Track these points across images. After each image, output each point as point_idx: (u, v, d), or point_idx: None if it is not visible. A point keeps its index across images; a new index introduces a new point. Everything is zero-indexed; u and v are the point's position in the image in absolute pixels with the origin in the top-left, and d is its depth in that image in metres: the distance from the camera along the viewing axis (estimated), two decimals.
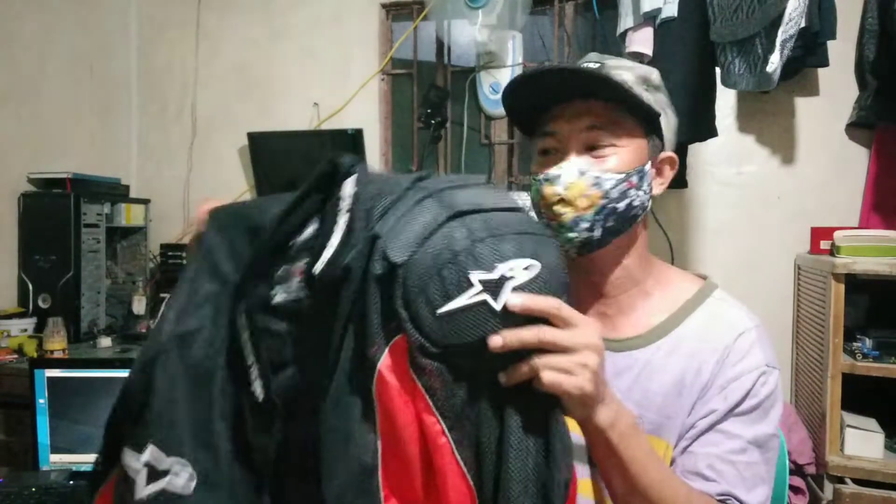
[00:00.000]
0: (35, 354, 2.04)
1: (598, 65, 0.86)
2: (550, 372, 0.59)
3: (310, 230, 0.62)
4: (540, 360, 0.59)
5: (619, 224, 0.85)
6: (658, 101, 0.87)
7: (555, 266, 0.59)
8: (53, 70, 2.57)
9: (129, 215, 2.66)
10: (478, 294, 0.55)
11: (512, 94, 0.87)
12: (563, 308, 0.61)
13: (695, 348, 0.84)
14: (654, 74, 0.89)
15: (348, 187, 0.59)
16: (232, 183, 2.87)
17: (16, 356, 2.08)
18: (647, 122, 0.85)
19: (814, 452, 1.86)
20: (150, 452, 0.60)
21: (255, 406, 0.62)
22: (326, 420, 0.59)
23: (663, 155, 0.89)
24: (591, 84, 0.82)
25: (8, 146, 2.40)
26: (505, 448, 0.56)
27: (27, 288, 2.35)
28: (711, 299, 0.88)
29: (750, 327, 0.84)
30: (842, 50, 2.09)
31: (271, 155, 2.73)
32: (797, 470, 1.84)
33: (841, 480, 1.74)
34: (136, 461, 0.60)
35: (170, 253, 2.65)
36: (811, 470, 1.85)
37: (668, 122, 0.89)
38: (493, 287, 0.56)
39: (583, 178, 0.82)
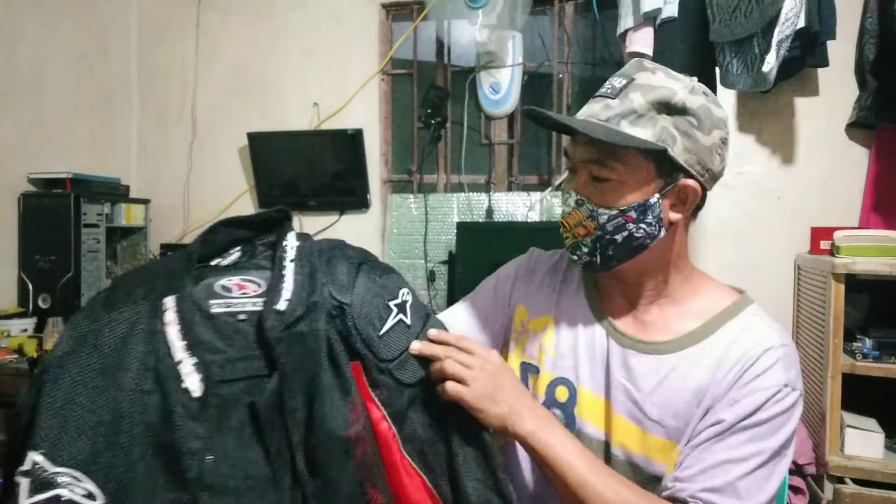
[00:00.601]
0: (35, 354, 2.05)
1: (625, 81, 0.84)
2: (449, 383, 0.75)
3: (234, 256, 0.74)
4: (445, 366, 0.75)
5: (620, 253, 0.85)
6: (678, 125, 0.82)
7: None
8: (53, 70, 2.58)
9: (129, 215, 2.66)
10: (396, 315, 0.75)
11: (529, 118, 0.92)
12: (462, 340, 0.80)
13: (720, 359, 0.83)
14: (677, 96, 0.82)
15: (292, 240, 0.72)
16: (232, 183, 2.88)
17: (16, 356, 2.08)
18: (657, 154, 0.82)
19: (814, 452, 1.86)
20: (33, 459, 0.56)
21: (187, 406, 0.60)
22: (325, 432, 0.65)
23: (682, 183, 0.84)
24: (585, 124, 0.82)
25: (8, 146, 2.40)
26: (449, 443, 0.74)
27: (27, 288, 2.35)
28: (745, 313, 0.87)
29: (777, 345, 0.82)
30: (842, 50, 2.09)
31: (271, 155, 2.74)
32: (797, 470, 1.84)
33: (841, 480, 1.74)
34: (21, 469, 0.56)
35: (170, 253, 2.65)
36: (811, 470, 1.85)
37: (696, 145, 0.83)
38: (403, 308, 0.76)
39: (580, 208, 0.86)
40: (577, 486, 0.77)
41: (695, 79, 0.86)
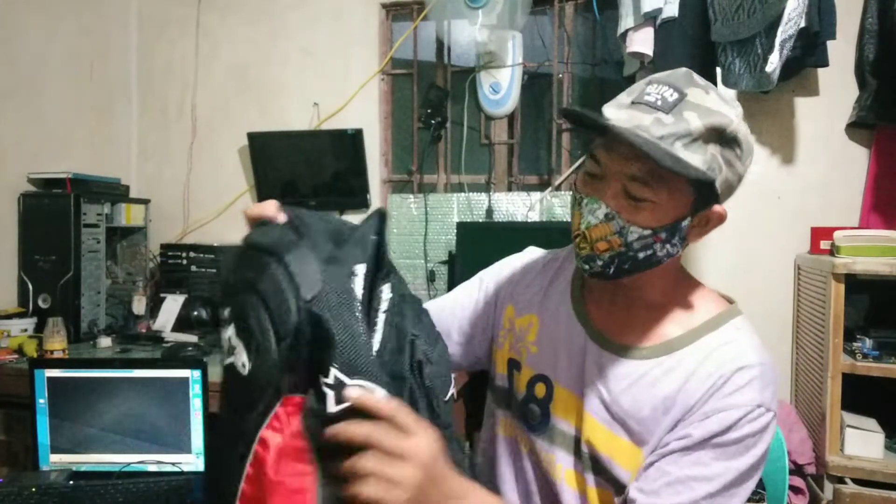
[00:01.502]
0: (35, 354, 2.04)
1: (677, 95, 0.78)
2: (367, 483, 0.59)
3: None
4: (364, 466, 0.59)
5: (635, 268, 0.83)
6: (726, 156, 0.78)
7: (257, 382, 0.68)
8: (53, 70, 2.57)
9: (129, 215, 2.66)
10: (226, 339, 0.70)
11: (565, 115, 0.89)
12: (400, 414, 0.62)
13: (693, 371, 0.82)
14: (733, 125, 0.77)
15: (386, 291, 0.72)
16: (232, 183, 2.88)
17: (16, 356, 2.08)
18: (700, 183, 0.78)
19: (814, 452, 1.86)
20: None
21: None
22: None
23: (714, 209, 0.82)
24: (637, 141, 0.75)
25: (8, 146, 2.40)
26: None
27: (27, 288, 2.35)
28: (728, 326, 0.86)
29: (753, 364, 0.80)
30: (842, 50, 2.09)
31: (271, 155, 2.74)
32: (797, 470, 1.85)
33: (841, 480, 1.74)
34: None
35: (170, 253, 2.65)
36: (811, 470, 1.85)
37: (735, 175, 0.81)
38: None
39: (609, 223, 0.80)
40: None
41: (736, 102, 0.83)
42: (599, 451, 0.86)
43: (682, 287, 0.91)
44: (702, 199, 0.80)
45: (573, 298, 0.96)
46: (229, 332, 0.69)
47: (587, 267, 0.85)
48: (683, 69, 0.84)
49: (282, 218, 0.73)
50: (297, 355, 0.65)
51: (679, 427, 0.81)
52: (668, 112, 0.77)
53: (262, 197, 2.80)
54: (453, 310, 1.08)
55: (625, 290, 0.90)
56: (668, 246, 0.82)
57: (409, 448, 0.61)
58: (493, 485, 0.99)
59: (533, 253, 1.09)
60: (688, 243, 0.86)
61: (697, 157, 0.77)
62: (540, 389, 0.94)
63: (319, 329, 0.64)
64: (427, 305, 1.12)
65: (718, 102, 0.79)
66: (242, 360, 0.67)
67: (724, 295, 0.93)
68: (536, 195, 2.50)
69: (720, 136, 0.77)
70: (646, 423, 0.83)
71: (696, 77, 0.82)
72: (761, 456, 0.80)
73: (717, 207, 0.83)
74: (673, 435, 0.81)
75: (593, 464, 0.87)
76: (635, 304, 0.90)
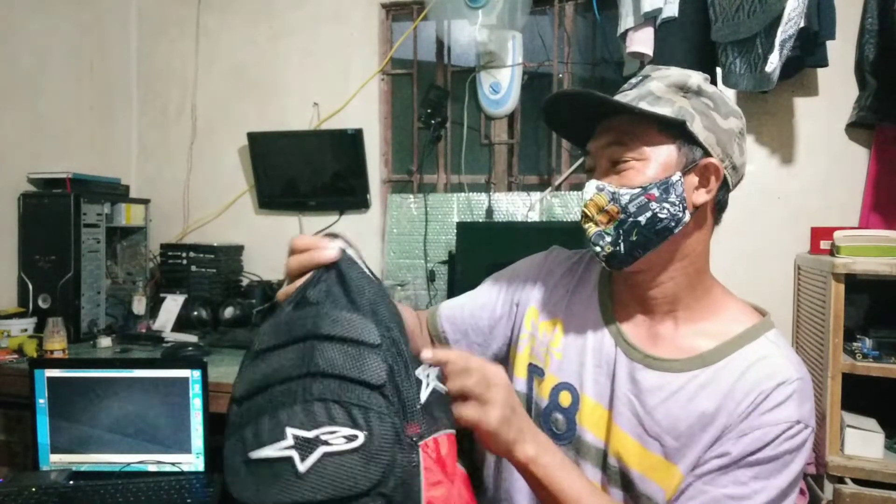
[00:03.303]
0: (35, 354, 2.04)
1: (641, 77, 0.87)
2: (464, 408, 0.70)
3: None
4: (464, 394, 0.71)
5: (644, 238, 0.83)
6: (696, 106, 0.83)
7: (382, 441, 0.58)
8: (53, 70, 2.57)
9: (129, 215, 2.66)
10: (286, 449, 0.56)
11: (549, 119, 0.92)
12: (464, 358, 0.73)
13: (731, 387, 0.81)
14: (692, 79, 0.85)
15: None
16: (232, 183, 2.88)
17: (16, 356, 2.08)
18: (676, 132, 0.83)
19: (814, 452, 1.86)
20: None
21: None
22: None
23: (703, 161, 0.83)
24: (603, 103, 0.84)
25: (8, 146, 2.40)
26: None
27: (27, 288, 2.35)
28: (763, 339, 0.84)
29: (793, 379, 0.80)
30: (842, 50, 2.09)
31: (271, 155, 2.74)
32: None
33: (841, 480, 1.74)
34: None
35: (170, 253, 2.65)
36: (811, 470, 1.85)
37: (714, 125, 0.83)
38: (305, 445, 0.56)
39: (601, 194, 0.84)
40: None
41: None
42: (630, 466, 0.84)
43: (712, 296, 0.90)
44: (685, 151, 0.83)
45: (601, 304, 0.95)
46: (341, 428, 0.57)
47: (598, 248, 0.85)
48: (650, 65, 0.92)
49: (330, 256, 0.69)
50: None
51: (717, 444, 0.80)
52: (631, 88, 0.87)
53: (261, 197, 2.80)
54: (472, 309, 1.06)
55: (652, 294, 0.88)
56: (666, 205, 0.81)
57: (487, 378, 0.72)
58: (502, 495, 0.97)
59: (556, 253, 1.07)
60: (696, 207, 0.84)
61: (665, 110, 0.82)
62: (565, 398, 0.92)
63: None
64: (444, 304, 1.10)
65: (679, 71, 0.87)
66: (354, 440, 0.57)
67: (756, 306, 0.91)
68: (536, 195, 2.50)
69: (685, 90, 0.85)
70: (682, 438, 0.81)
71: (663, 67, 0.90)
72: (798, 473, 0.80)
73: (709, 160, 0.83)
74: (711, 452, 0.80)
75: (622, 478, 0.85)
76: (665, 309, 0.88)
